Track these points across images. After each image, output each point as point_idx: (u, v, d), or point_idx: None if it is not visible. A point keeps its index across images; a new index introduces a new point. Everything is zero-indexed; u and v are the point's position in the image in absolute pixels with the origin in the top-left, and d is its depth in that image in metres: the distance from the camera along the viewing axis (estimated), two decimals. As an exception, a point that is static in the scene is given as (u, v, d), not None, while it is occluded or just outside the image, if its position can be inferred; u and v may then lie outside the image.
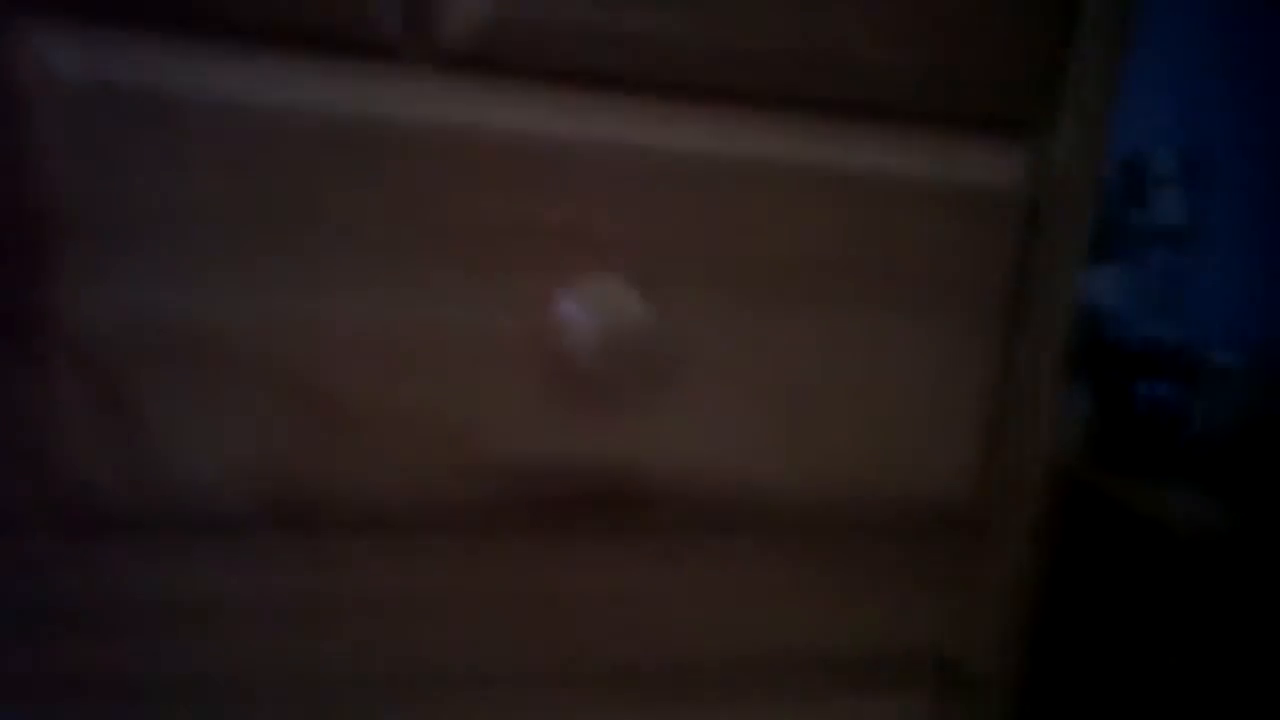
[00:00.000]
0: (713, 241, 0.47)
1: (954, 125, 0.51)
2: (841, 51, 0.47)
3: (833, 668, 0.55)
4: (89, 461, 0.42)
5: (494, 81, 0.44)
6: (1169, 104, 1.21)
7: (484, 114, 0.43)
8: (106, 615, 0.44)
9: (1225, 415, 1.06)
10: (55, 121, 0.39)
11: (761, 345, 0.49)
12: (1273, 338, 1.28)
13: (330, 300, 0.43)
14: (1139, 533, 1.01)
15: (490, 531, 0.48)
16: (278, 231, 0.42)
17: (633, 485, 0.49)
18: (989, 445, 0.55)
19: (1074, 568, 1.12)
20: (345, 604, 0.47)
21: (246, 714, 0.47)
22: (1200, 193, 1.22)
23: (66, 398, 0.41)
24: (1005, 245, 0.52)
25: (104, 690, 0.45)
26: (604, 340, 0.45)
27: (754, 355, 0.49)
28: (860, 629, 0.55)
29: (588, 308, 0.45)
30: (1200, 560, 0.97)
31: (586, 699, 0.52)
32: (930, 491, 0.54)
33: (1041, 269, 0.54)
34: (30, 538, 0.43)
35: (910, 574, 0.55)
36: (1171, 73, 1.21)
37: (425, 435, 0.45)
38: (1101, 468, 1.09)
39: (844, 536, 0.54)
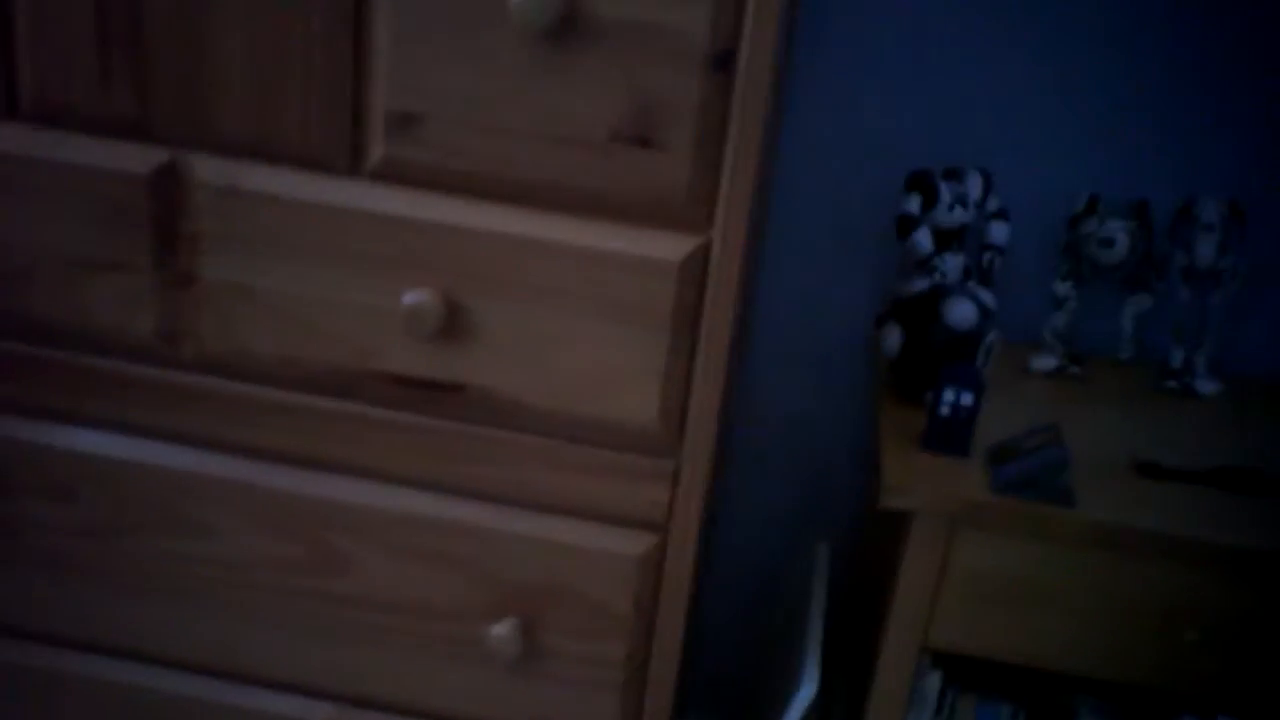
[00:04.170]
0: (510, 273, 0.95)
1: (645, 225, 0.94)
2: (571, 170, 0.92)
3: (562, 509, 1.03)
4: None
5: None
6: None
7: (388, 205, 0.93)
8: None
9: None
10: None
11: (532, 329, 0.96)
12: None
13: (276, 281, 0.95)
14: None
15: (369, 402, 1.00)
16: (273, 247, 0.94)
17: (451, 390, 0.98)
18: (664, 401, 0.98)
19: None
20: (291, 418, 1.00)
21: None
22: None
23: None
24: (671, 291, 0.95)
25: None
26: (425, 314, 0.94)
27: (529, 335, 0.96)
28: (579, 492, 1.01)
29: (425, 297, 0.94)
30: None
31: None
32: (629, 421, 0.99)
33: (707, 305, 0.96)
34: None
35: (616, 467, 1.01)
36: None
37: (345, 353, 0.97)
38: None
39: (575, 438, 1.00)
